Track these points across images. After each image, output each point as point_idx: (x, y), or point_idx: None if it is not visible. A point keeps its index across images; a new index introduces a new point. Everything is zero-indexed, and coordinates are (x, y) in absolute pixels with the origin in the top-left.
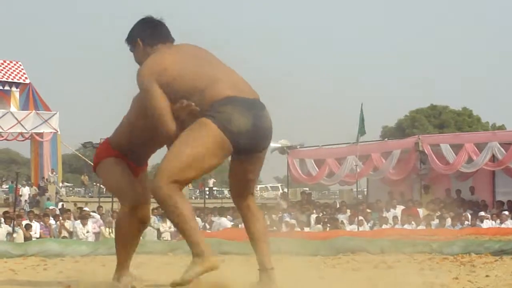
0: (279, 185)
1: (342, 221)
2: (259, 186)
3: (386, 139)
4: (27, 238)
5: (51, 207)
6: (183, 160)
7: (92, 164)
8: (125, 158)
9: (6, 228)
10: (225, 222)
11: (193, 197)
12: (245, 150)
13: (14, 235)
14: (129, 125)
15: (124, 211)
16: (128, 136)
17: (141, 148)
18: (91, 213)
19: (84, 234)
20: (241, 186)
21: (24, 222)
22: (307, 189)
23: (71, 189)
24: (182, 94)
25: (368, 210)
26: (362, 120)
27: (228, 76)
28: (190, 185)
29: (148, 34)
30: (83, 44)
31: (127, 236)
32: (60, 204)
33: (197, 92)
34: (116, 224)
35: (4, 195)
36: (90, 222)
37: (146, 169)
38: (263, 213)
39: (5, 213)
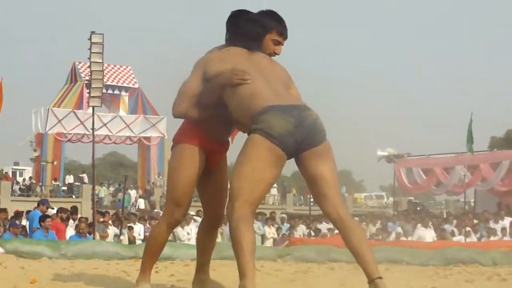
0: (384, 193)
1: (452, 230)
2: (363, 195)
3: (495, 149)
4: (131, 241)
5: (155, 210)
6: (247, 180)
7: None
8: (207, 139)
9: (114, 230)
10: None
11: (297, 204)
12: (297, 150)
13: (121, 237)
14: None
15: (161, 229)
16: (203, 110)
17: (216, 121)
18: (194, 217)
19: (184, 236)
20: (317, 188)
21: (130, 225)
22: (412, 198)
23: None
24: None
25: (475, 221)
26: (470, 130)
27: (273, 90)
28: (294, 191)
29: (235, 32)
30: (193, 50)
31: (159, 250)
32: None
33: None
34: (151, 237)
35: (111, 198)
36: (193, 225)
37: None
38: (356, 222)
39: (113, 215)
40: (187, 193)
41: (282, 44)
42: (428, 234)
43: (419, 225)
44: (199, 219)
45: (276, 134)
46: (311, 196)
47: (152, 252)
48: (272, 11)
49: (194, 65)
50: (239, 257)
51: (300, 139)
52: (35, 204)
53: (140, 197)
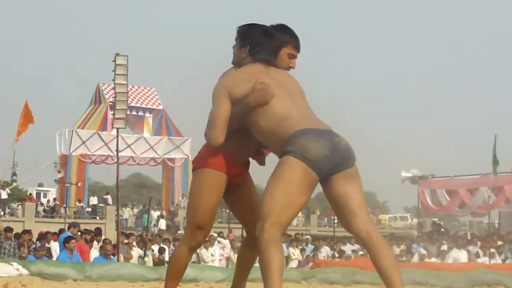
0: (408, 215)
1: (477, 252)
2: (388, 216)
3: None
4: (156, 263)
5: (179, 232)
6: (279, 202)
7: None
8: (228, 163)
9: (138, 251)
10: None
11: (321, 225)
12: (330, 174)
13: (146, 258)
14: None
15: (182, 251)
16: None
17: (240, 142)
18: (218, 238)
19: (208, 258)
20: (345, 209)
21: (154, 247)
22: (436, 219)
23: None
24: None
25: (500, 243)
26: (495, 151)
27: (301, 110)
28: (318, 212)
29: (260, 49)
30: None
31: (181, 272)
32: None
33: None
34: (173, 259)
35: (136, 219)
36: (216, 247)
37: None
38: (387, 242)
39: (138, 236)
40: (209, 217)
41: (296, 58)
42: (462, 256)
43: (454, 247)
44: (224, 241)
45: (312, 158)
46: (336, 217)
47: (174, 274)
48: (285, 25)
49: (214, 93)
50: (267, 278)
51: (334, 164)
52: (60, 226)
53: (162, 217)
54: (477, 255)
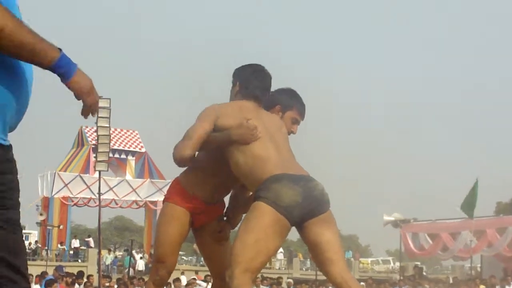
0: (390, 258)
1: None
2: (370, 259)
3: (501, 215)
4: None
5: None
6: (250, 249)
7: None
8: (192, 199)
9: None
10: None
11: (303, 269)
12: (302, 220)
13: None
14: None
15: None
16: (196, 171)
17: (209, 181)
18: (198, 281)
19: None
20: (323, 254)
21: None
22: (418, 263)
23: (183, 257)
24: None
25: (482, 287)
26: (475, 195)
27: (281, 154)
28: (300, 256)
29: (250, 86)
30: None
31: None
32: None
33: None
34: None
35: (119, 262)
36: None
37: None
38: None
39: (118, 280)
40: (170, 251)
41: (299, 124)
42: None
43: None
44: (204, 284)
45: (284, 205)
46: (314, 263)
47: None
48: (293, 90)
49: (202, 113)
50: None
51: (307, 210)
52: (41, 268)
53: (141, 258)
54: None
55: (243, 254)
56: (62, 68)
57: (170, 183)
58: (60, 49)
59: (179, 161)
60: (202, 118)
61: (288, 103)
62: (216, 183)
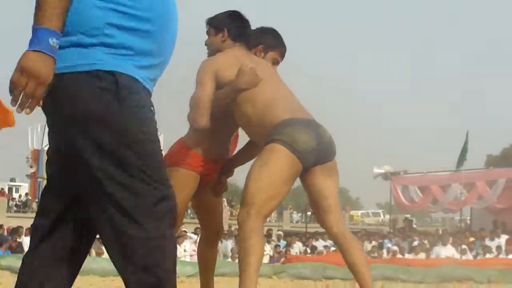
0: (380, 211)
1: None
2: (360, 212)
3: (491, 167)
4: None
5: None
6: (265, 191)
7: None
8: (202, 161)
9: None
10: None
11: (294, 221)
12: (313, 166)
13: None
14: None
15: None
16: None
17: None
18: (189, 234)
19: (181, 253)
20: (321, 204)
21: None
22: (408, 215)
23: None
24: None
25: (471, 239)
26: (466, 148)
27: (285, 96)
28: (291, 208)
29: (236, 29)
30: None
31: None
32: None
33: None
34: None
35: None
36: (188, 242)
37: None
38: (357, 240)
39: None
40: (179, 215)
41: (278, 65)
42: (443, 252)
43: (439, 243)
44: (195, 236)
45: (301, 149)
46: (312, 209)
47: None
48: (275, 30)
49: (200, 75)
50: (244, 271)
51: (319, 156)
52: (31, 221)
53: None
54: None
55: (258, 195)
56: (33, 37)
57: (174, 145)
58: (57, 29)
59: (201, 129)
60: (202, 79)
61: (271, 44)
62: (222, 140)
